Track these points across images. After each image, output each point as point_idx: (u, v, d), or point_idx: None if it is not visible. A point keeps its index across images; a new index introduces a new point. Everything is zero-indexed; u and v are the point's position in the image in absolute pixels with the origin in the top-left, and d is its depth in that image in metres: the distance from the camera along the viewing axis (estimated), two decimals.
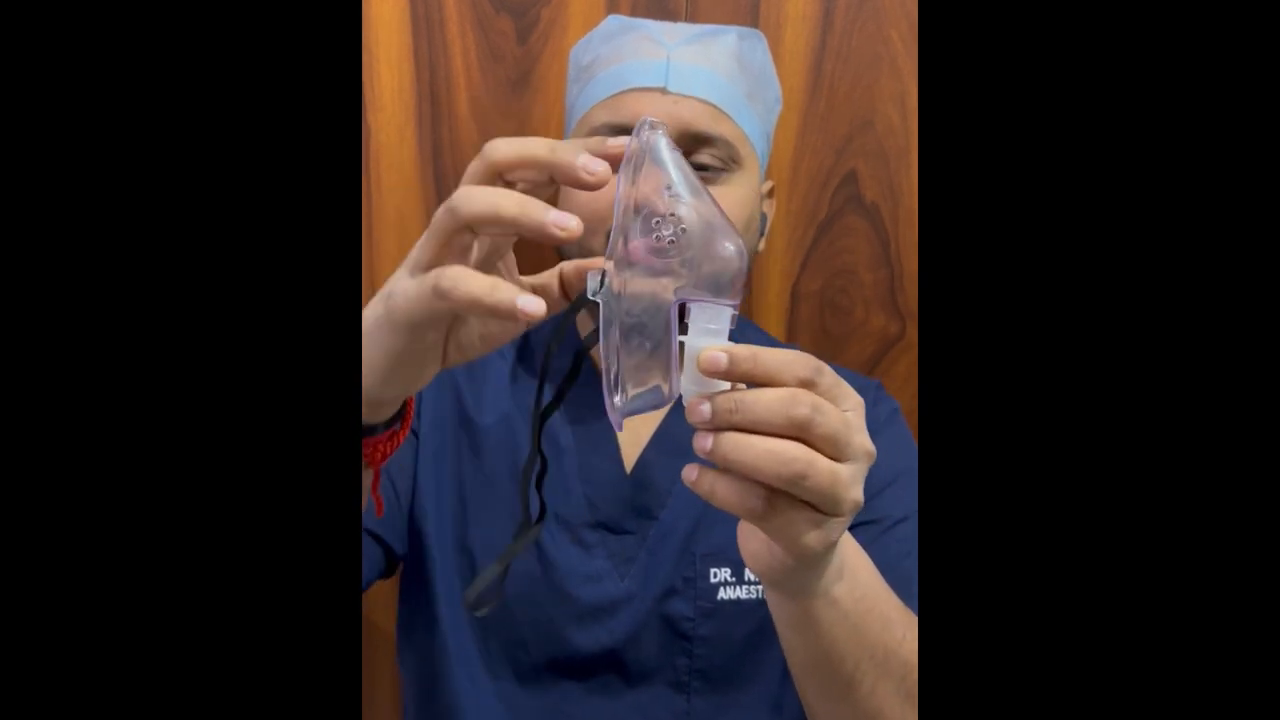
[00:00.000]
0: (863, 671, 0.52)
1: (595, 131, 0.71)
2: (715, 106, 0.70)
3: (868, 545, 0.57)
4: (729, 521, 0.52)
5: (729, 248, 0.42)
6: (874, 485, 0.73)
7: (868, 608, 0.51)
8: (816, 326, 0.99)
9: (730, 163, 0.71)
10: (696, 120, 0.69)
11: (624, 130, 0.69)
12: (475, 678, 0.72)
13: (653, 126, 0.43)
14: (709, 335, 0.42)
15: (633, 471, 0.74)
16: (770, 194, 0.81)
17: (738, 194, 0.71)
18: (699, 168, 0.70)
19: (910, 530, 0.71)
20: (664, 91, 0.69)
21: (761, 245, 0.79)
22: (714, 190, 0.69)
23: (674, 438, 0.74)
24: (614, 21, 0.75)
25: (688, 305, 0.43)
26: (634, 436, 0.76)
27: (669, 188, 0.42)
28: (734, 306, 0.43)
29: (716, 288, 0.42)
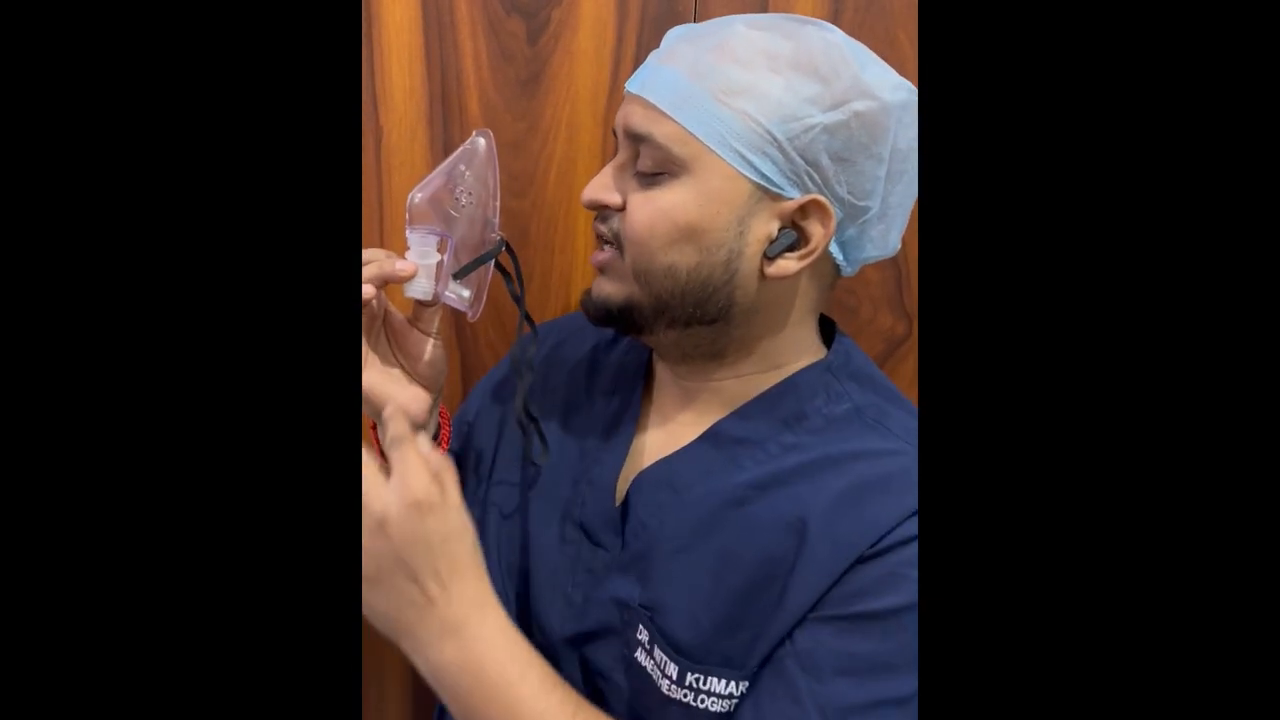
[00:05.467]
0: None
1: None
2: (653, 106, 0.64)
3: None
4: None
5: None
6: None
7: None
8: None
9: (666, 164, 0.64)
10: (630, 119, 0.65)
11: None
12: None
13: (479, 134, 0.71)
14: (418, 255, 0.70)
15: (627, 493, 0.74)
16: (803, 210, 0.64)
17: (667, 199, 0.64)
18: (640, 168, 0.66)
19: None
20: (631, 94, 0.68)
21: (774, 269, 0.65)
22: (644, 194, 0.65)
23: (674, 472, 0.72)
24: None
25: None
26: (635, 462, 0.75)
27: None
28: (433, 233, 0.70)
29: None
